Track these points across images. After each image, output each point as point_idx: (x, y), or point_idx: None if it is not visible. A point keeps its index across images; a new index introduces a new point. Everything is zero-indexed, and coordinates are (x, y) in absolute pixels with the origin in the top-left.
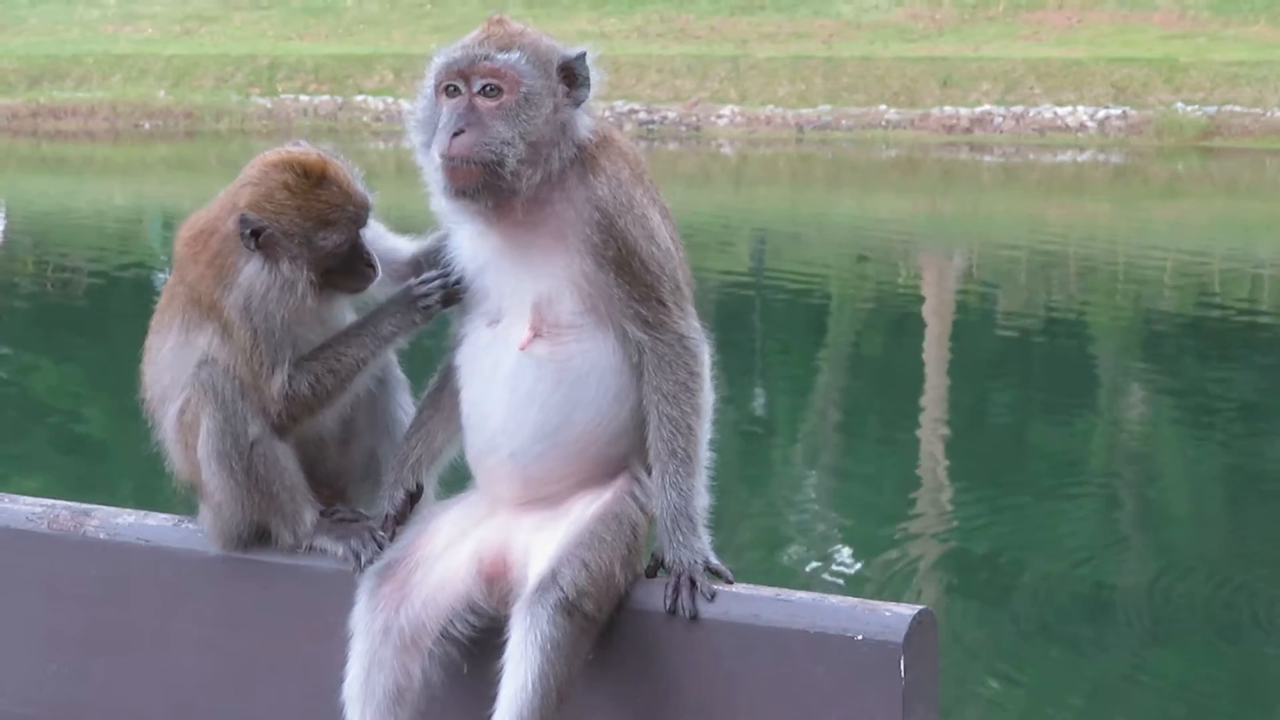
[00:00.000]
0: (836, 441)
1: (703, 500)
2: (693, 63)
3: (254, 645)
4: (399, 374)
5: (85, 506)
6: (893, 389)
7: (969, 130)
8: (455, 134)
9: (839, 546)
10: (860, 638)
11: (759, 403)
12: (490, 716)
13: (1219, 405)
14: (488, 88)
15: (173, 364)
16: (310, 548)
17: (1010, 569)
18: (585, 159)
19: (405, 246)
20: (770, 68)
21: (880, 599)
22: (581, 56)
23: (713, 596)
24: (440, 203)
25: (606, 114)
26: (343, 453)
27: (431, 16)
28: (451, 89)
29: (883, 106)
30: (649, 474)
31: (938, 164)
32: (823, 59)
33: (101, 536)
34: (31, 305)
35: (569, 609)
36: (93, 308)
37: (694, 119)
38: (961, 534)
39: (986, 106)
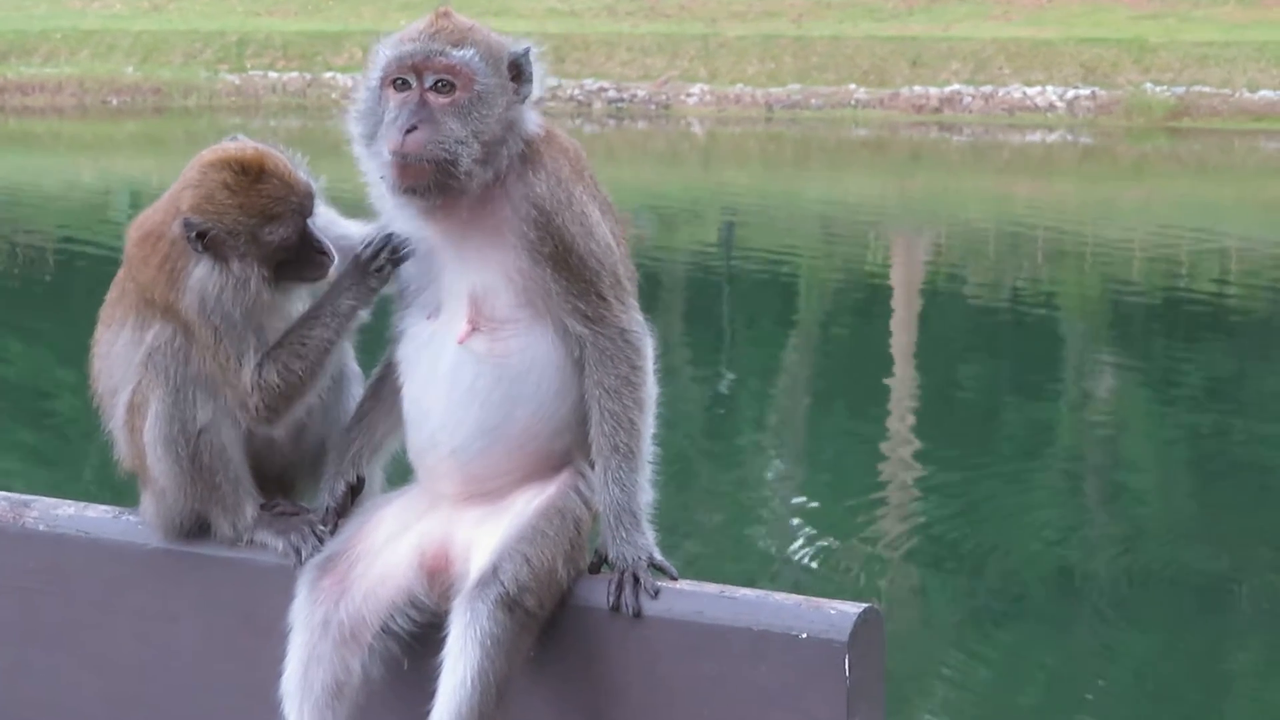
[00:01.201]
0: (804, 421)
1: (646, 496)
2: (663, 41)
3: (194, 639)
4: (354, 367)
5: (25, 498)
6: (861, 368)
7: (938, 110)
8: (408, 130)
9: (805, 527)
10: (804, 636)
11: (726, 382)
12: (429, 713)
13: (1186, 384)
14: (440, 83)
15: (125, 358)
16: (250, 541)
17: (977, 548)
18: (526, 155)
19: (356, 230)
20: (740, 46)
21: (847, 579)
22: (527, 52)
23: (656, 593)
24: (383, 197)
25: (576, 93)
26: (294, 446)
27: None
28: (401, 83)
29: (852, 86)
30: (593, 468)
31: (907, 143)
32: (792, 38)
33: (41, 528)
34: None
35: (509, 604)
36: (59, 284)
37: (664, 97)
38: (929, 513)
39: (956, 86)
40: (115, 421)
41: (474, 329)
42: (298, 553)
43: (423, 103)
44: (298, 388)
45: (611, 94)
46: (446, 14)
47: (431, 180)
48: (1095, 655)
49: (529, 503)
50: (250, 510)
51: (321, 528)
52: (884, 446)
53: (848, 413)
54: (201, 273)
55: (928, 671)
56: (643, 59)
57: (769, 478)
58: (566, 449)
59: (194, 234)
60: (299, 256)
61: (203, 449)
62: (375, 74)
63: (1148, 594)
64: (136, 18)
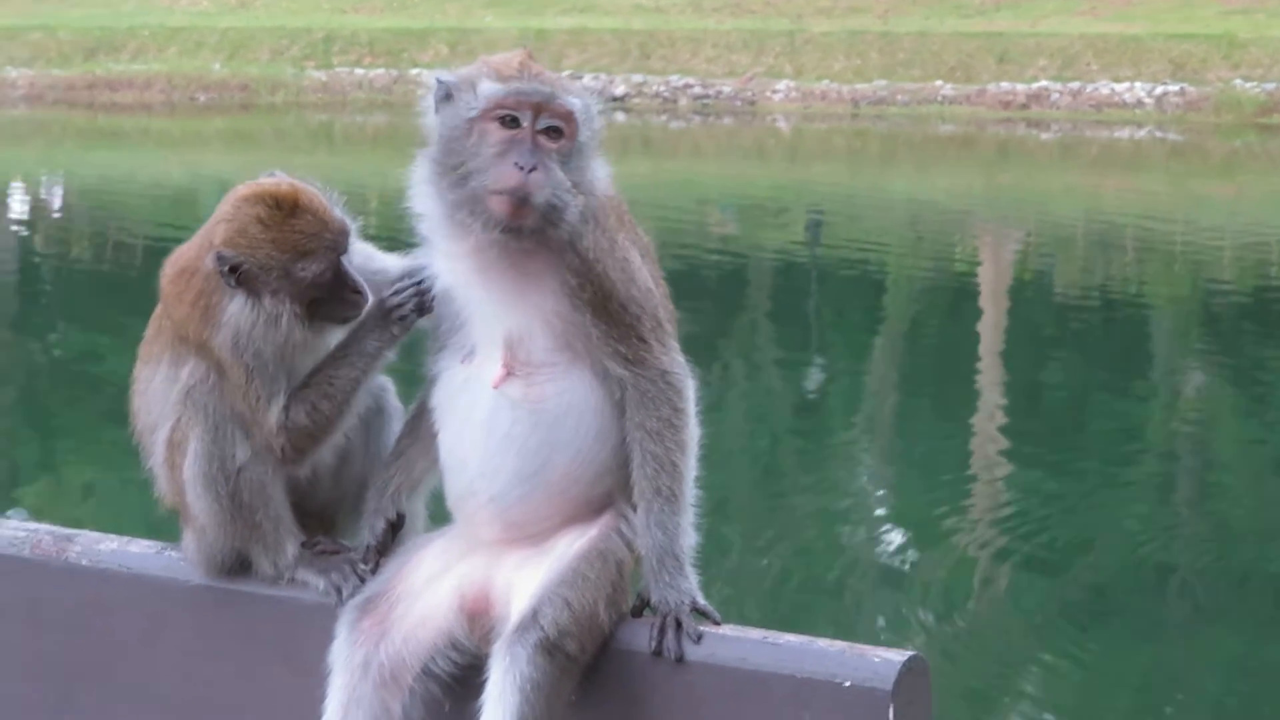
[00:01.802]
0: (890, 418)
1: (689, 539)
2: (748, 37)
3: (235, 676)
4: (395, 403)
5: (68, 532)
6: (948, 365)
7: (1025, 106)
8: (529, 170)
9: (891, 525)
10: (848, 684)
11: (813, 379)
12: None
13: (1277, 383)
14: (553, 129)
15: (162, 395)
16: (291, 580)
17: (1066, 547)
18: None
19: (394, 265)
20: (826, 42)
21: (934, 577)
22: (598, 110)
23: (699, 638)
24: (438, 231)
25: (662, 89)
26: (335, 483)
27: None
28: (510, 120)
29: (939, 82)
30: (635, 510)
31: (994, 140)
32: (879, 34)
33: (84, 563)
34: (87, 278)
35: (550, 649)
36: (148, 280)
37: (749, 94)
38: (1016, 512)
39: (1043, 83)
40: (155, 459)
41: (509, 373)
42: (339, 592)
43: (536, 145)
44: (324, 428)
45: (697, 90)
46: (532, 56)
47: (535, 223)
48: (1185, 657)
49: (570, 545)
50: (291, 548)
51: (363, 566)
52: (971, 444)
53: (935, 410)
54: (235, 308)
55: (1016, 672)
56: (728, 55)
57: (856, 475)
58: (608, 492)
59: (227, 268)
60: (332, 295)
61: (243, 487)
62: (475, 106)
63: (1239, 595)
64: (224, 14)
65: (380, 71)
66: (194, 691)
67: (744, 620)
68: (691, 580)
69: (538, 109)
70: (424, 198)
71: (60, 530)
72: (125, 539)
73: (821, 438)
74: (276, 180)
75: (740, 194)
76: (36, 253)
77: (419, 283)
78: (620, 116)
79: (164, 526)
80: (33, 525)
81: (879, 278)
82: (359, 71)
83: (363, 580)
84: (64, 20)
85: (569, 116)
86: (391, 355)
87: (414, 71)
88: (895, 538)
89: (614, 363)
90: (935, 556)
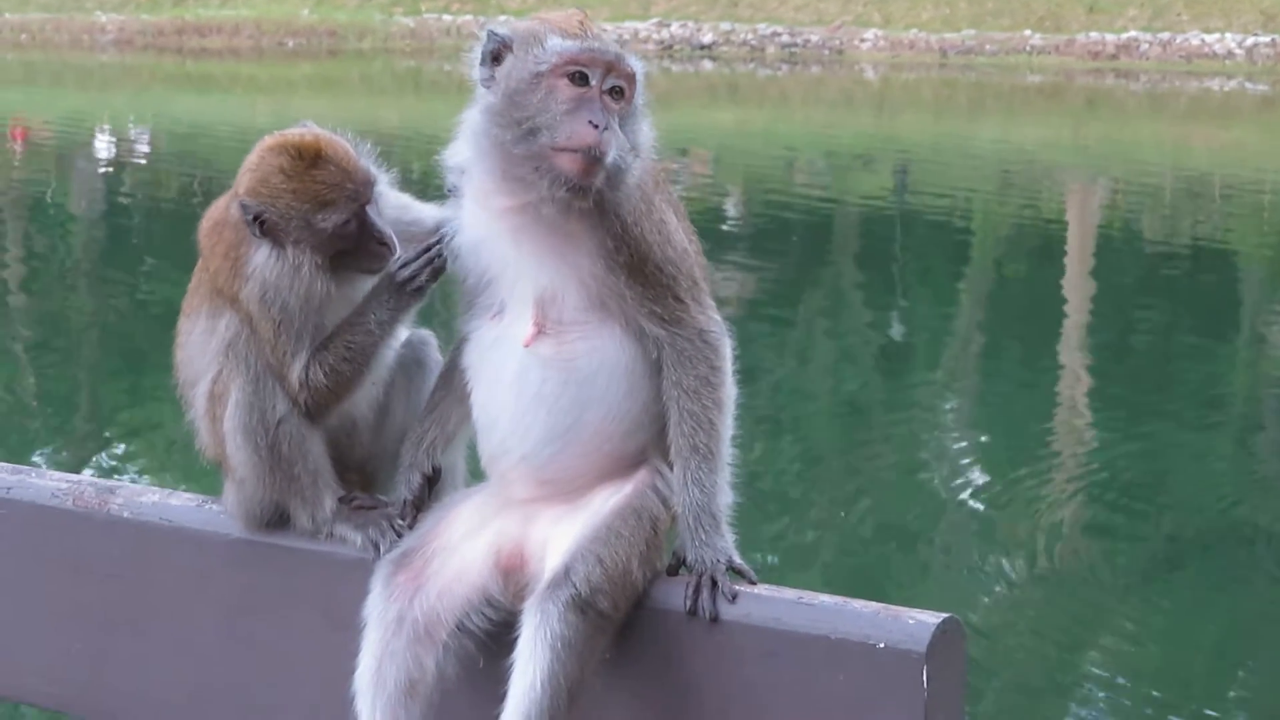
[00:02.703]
0: (976, 367)
1: (726, 497)
2: None
3: (273, 630)
4: (436, 356)
5: (110, 484)
6: (1035, 315)
7: (1115, 57)
8: (603, 128)
9: (976, 470)
10: (882, 645)
11: (899, 327)
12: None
13: None
14: (617, 89)
15: (201, 347)
16: (329, 535)
17: (1151, 498)
18: None
19: (430, 215)
20: None
21: (1019, 523)
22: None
23: (734, 598)
24: (514, 180)
25: (749, 38)
26: (375, 437)
27: None
28: (580, 77)
29: (1028, 32)
30: (671, 468)
31: (1083, 90)
32: None
33: (125, 515)
34: (172, 222)
35: (582, 606)
36: None
37: (837, 42)
38: (1101, 462)
39: (1133, 33)
40: (196, 411)
41: (540, 331)
42: (376, 547)
43: (604, 105)
44: (344, 388)
45: (785, 39)
46: (585, 14)
47: (600, 184)
48: (1263, 612)
49: (605, 502)
50: (329, 503)
51: (399, 521)
52: (1057, 392)
53: (1021, 359)
54: (260, 259)
55: (1098, 622)
56: (816, 4)
57: (940, 424)
58: (641, 448)
59: (251, 217)
60: (358, 246)
61: (282, 439)
62: (546, 61)
63: None
64: None
65: (468, 18)
66: (233, 645)
67: (825, 570)
68: (728, 539)
69: (608, 68)
70: (477, 151)
71: (102, 482)
72: (167, 491)
73: (906, 386)
74: (304, 131)
75: (828, 143)
76: (124, 196)
77: (429, 250)
78: (708, 65)
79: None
80: (75, 476)
81: (965, 227)
82: (446, 18)
83: (399, 535)
84: None
85: (632, 78)
86: (407, 321)
87: (501, 18)
88: (978, 489)
89: (650, 322)
90: (1018, 506)
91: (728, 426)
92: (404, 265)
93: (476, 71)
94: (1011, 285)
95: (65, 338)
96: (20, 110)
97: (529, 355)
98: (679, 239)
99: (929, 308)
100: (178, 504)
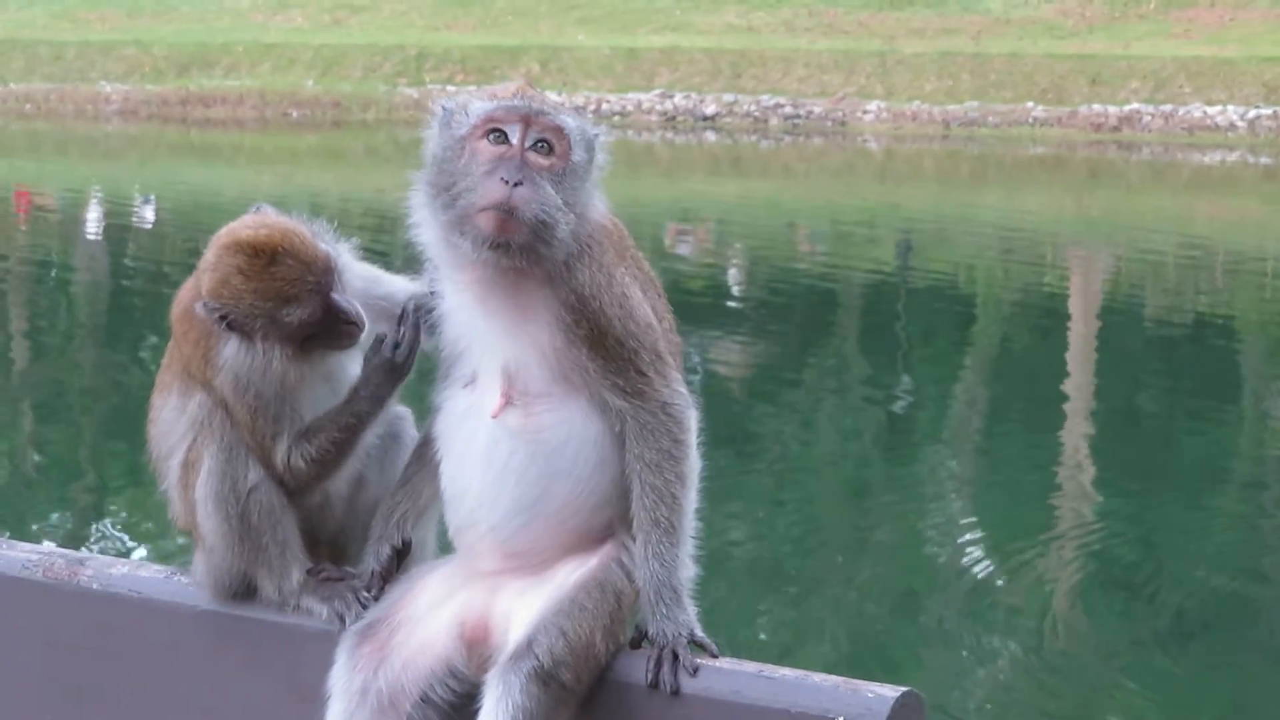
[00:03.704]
0: (979, 441)
1: (688, 571)
2: (840, 57)
3: (241, 702)
4: (412, 431)
5: (80, 555)
6: (1037, 388)
7: (1117, 129)
8: (515, 184)
9: (976, 546)
10: (841, 719)
11: (901, 399)
12: None
13: None
14: (542, 144)
15: (174, 423)
16: (296, 606)
17: (1152, 575)
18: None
19: (400, 288)
20: (917, 63)
21: (1019, 600)
22: (597, 135)
23: (695, 671)
24: (441, 256)
25: (752, 109)
26: (348, 510)
27: (579, 8)
28: (498, 135)
29: (1030, 104)
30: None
31: (1085, 162)
32: (970, 55)
33: (95, 587)
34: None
35: (544, 678)
36: None
37: (840, 114)
38: (1104, 536)
39: (1135, 105)
40: (170, 480)
41: (508, 402)
42: (341, 619)
43: (524, 161)
44: (330, 467)
45: (788, 110)
46: (531, 85)
47: (525, 240)
48: (1269, 690)
49: (569, 575)
50: (296, 574)
51: (366, 594)
52: (1059, 467)
53: (1023, 432)
54: (230, 352)
55: (1097, 701)
56: (820, 75)
57: (942, 496)
58: (609, 523)
59: (216, 317)
60: (326, 329)
61: (252, 508)
62: (466, 124)
63: None
64: (317, 31)
65: (472, 89)
66: (200, 716)
67: (832, 637)
68: (689, 612)
69: (526, 122)
70: (422, 222)
71: (72, 554)
72: (136, 563)
73: (908, 458)
74: (257, 223)
75: (831, 214)
76: (128, 264)
77: (414, 325)
78: (710, 136)
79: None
80: (46, 548)
81: (968, 299)
82: (451, 89)
83: (365, 607)
84: (159, 36)
85: (559, 132)
86: (395, 399)
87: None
88: (980, 561)
89: (613, 395)
90: (1020, 580)
91: (691, 500)
92: (394, 346)
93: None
94: (1014, 356)
95: (66, 407)
96: (24, 179)
97: (498, 426)
98: (642, 313)
99: (931, 378)
100: (147, 575)
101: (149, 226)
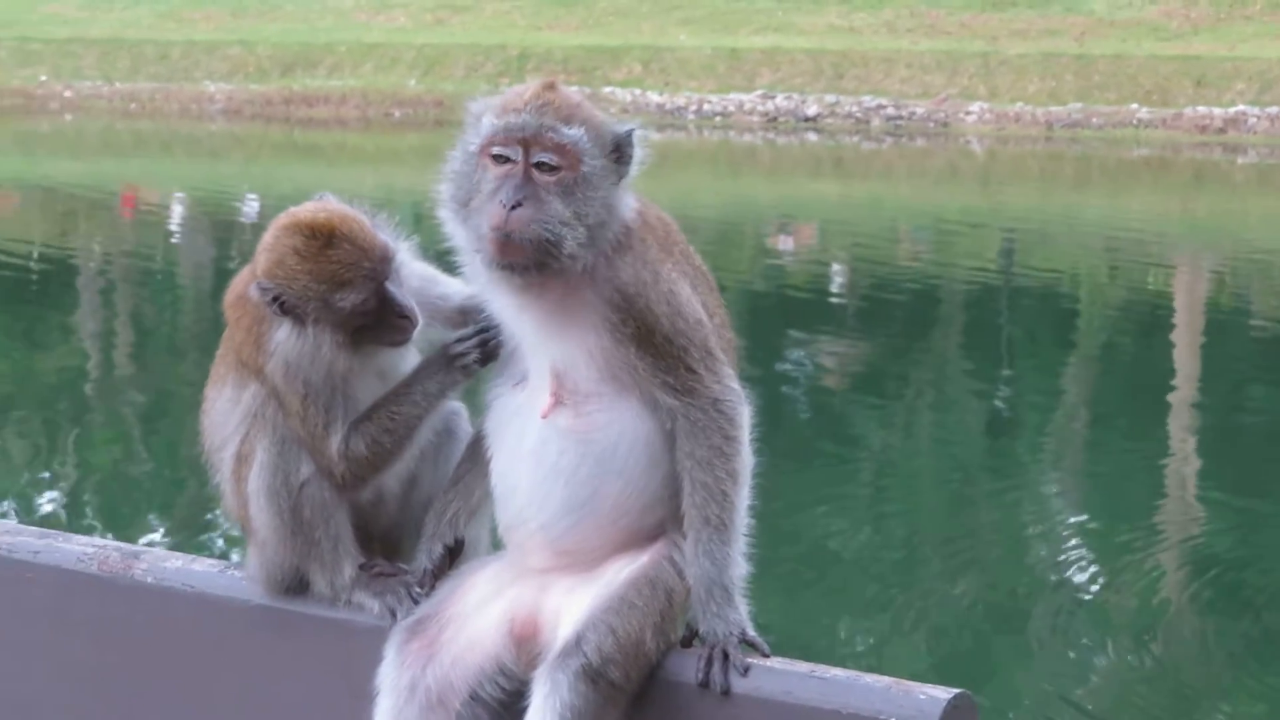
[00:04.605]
0: (1082, 442)
1: (739, 569)
2: (942, 58)
3: (293, 697)
4: (466, 427)
5: (135, 549)
6: (1141, 392)
7: (1223, 130)
8: (512, 207)
9: (1080, 550)
10: None
11: (1004, 402)
12: None
13: None
14: (544, 163)
15: (228, 414)
16: (348, 602)
17: (1257, 583)
18: (616, 238)
19: (456, 292)
20: (1020, 65)
21: (1123, 606)
22: (630, 133)
23: (746, 670)
24: (473, 265)
25: (854, 110)
26: (402, 507)
27: (682, 8)
28: (501, 157)
29: (1135, 105)
30: None
31: (1190, 164)
32: (1074, 56)
33: (149, 580)
34: None
35: (593, 676)
36: None
37: (942, 115)
38: (1207, 543)
39: (1241, 106)
40: (222, 474)
41: (558, 402)
42: (393, 614)
43: (527, 178)
44: (384, 460)
45: (890, 111)
46: (553, 86)
47: (531, 259)
48: None
49: (620, 572)
50: (349, 569)
51: (418, 590)
52: (1162, 472)
53: (1126, 436)
54: (281, 336)
55: (1203, 705)
56: (922, 76)
57: (1046, 498)
58: (660, 521)
59: (270, 298)
60: (379, 320)
61: (304, 503)
62: (475, 141)
63: None
64: (420, 31)
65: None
66: (253, 712)
67: (929, 640)
68: (741, 611)
69: (526, 144)
70: (450, 229)
71: (128, 547)
72: (190, 557)
73: (1011, 462)
74: (318, 207)
75: (932, 216)
76: (231, 263)
77: (484, 330)
78: (812, 137)
79: None
80: (101, 541)
81: (1072, 301)
82: None
83: (416, 602)
84: (262, 36)
85: (562, 149)
86: (452, 398)
87: (607, 90)
88: (1081, 565)
89: (663, 393)
90: (1121, 585)
91: (743, 498)
92: (459, 340)
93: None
94: (1118, 359)
95: (171, 408)
96: (130, 179)
97: (547, 426)
98: (690, 309)
99: (1034, 381)
100: (200, 569)
101: (251, 224)
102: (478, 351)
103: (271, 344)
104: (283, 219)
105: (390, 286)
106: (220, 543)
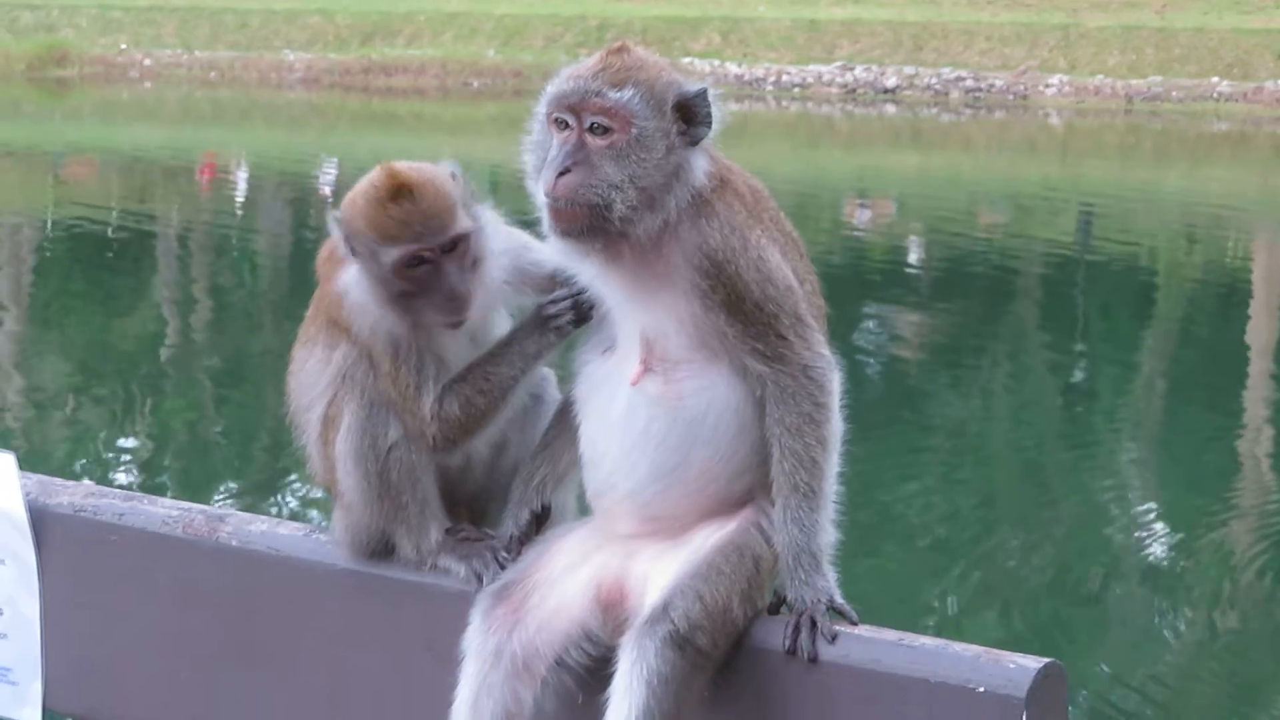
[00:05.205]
0: (1158, 415)
1: (828, 536)
2: (1022, 30)
3: (378, 662)
4: (555, 393)
5: (220, 512)
6: (1218, 367)
7: None
8: (561, 173)
9: (1157, 523)
10: (981, 690)
11: (1081, 373)
12: None
13: None
14: (597, 125)
15: (315, 375)
16: (434, 566)
17: None
18: (698, 202)
19: (549, 258)
20: (1101, 37)
21: (1198, 580)
22: (702, 93)
23: (834, 638)
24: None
25: (933, 82)
26: (489, 472)
27: None
28: (561, 122)
29: (1215, 79)
30: None
31: (1271, 138)
32: (1155, 29)
33: (234, 544)
34: None
35: (680, 643)
36: None
37: (1022, 87)
38: None
39: None
40: (309, 435)
41: (647, 369)
42: (479, 579)
43: (581, 144)
44: (478, 421)
45: (969, 83)
46: (620, 49)
47: (585, 225)
48: None
49: (707, 539)
50: (435, 533)
51: (505, 555)
52: (1240, 445)
53: (1203, 411)
54: (347, 277)
55: (1267, 687)
56: (1001, 49)
57: (1119, 473)
58: (748, 489)
59: (340, 232)
60: (426, 293)
61: (392, 465)
62: (540, 110)
63: None
64: (499, 1)
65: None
66: (338, 676)
67: (1002, 612)
68: (829, 578)
69: (577, 110)
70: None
71: (212, 510)
72: (275, 520)
73: (1085, 434)
74: (412, 165)
75: (1012, 188)
76: (310, 232)
77: (578, 292)
78: (891, 109)
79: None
80: (186, 504)
81: (1149, 275)
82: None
83: (503, 568)
84: (342, 5)
85: (610, 112)
86: (548, 359)
87: (686, 60)
88: (1156, 541)
89: (752, 359)
90: (1195, 561)
91: (832, 464)
92: (552, 302)
93: None
94: (1195, 334)
95: (250, 374)
96: (209, 146)
97: (636, 393)
98: (780, 275)
99: (1110, 355)
100: (285, 533)
101: (330, 192)
102: (571, 313)
103: (340, 284)
104: (380, 165)
105: (449, 264)
106: (295, 506)
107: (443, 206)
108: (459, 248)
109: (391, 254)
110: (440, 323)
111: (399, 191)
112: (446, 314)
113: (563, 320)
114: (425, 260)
